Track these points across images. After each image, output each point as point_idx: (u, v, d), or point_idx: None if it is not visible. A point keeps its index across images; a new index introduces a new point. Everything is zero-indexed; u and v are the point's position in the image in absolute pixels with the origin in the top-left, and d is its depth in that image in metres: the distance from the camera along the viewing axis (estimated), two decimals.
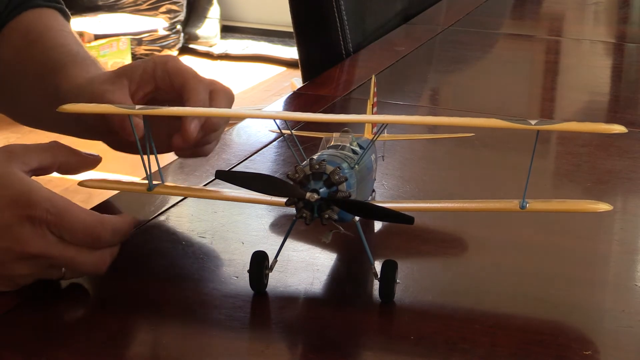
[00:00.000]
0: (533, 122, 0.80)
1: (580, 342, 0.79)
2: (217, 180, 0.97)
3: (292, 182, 0.79)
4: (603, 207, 0.83)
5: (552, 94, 1.57)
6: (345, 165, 0.81)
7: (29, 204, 0.80)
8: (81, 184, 0.89)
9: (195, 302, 0.83)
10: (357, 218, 0.83)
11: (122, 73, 0.94)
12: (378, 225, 0.97)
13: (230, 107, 0.95)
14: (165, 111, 0.85)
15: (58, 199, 0.81)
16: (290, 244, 0.91)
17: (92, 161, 0.89)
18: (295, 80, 3.79)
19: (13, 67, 1.10)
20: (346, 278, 0.89)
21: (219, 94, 0.94)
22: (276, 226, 0.97)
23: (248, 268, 0.83)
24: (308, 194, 0.78)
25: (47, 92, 1.03)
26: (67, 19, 1.18)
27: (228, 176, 0.82)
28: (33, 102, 1.09)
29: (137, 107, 0.85)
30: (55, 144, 0.88)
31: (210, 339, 0.78)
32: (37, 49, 1.08)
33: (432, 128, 1.23)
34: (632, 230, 1.02)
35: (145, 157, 0.86)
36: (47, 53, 1.06)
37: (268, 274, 0.83)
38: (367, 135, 0.98)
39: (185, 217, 0.99)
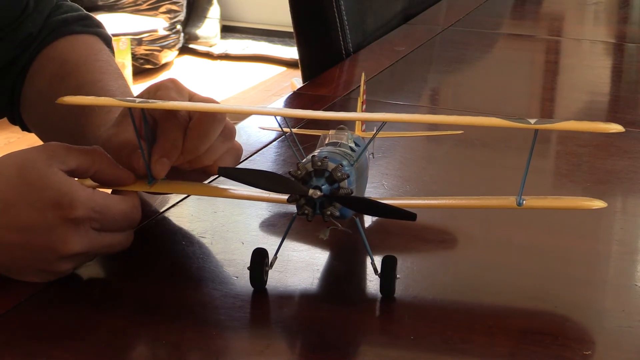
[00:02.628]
0: (532, 121, 0.80)
1: (580, 342, 0.79)
2: (218, 178, 0.97)
3: (294, 179, 0.79)
4: (598, 204, 0.83)
5: (552, 94, 1.57)
6: (345, 162, 0.82)
7: (72, 205, 0.81)
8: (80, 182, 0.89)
9: (195, 302, 0.83)
10: (355, 214, 0.83)
11: (126, 112, 0.93)
12: (374, 225, 0.96)
13: (237, 163, 0.94)
14: (165, 105, 0.85)
15: (98, 196, 0.83)
16: (290, 244, 0.91)
17: (126, 178, 0.88)
18: (295, 80, 3.79)
19: (46, 98, 1.10)
20: (346, 278, 0.89)
21: (229, 152, 0.92)
22: (276, 226, 0.97)
23: (248, 267, 0.83)
24: (311, 191, 0.78)
25: (75, 133, 1.03)
26: (107, 42, 1.17)
27: (230, 173, 0.82)
28: (63, 137, 1.09)
29: (138, 100, 0.85)
30: (96, 149, 0.88)
31: (210, 339, 0.78)
32: (70, 83, 1.08)
33: (432, 127, 1.23)
34: (632, 230, 1.03)
35: (145, 152, 0.87)
36: (79, 90, 1.06)
37: (268, 271, 0.83)
38: (358, 132, 0.98)
39: (185, 217, 0.99)
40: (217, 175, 0.96)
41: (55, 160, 0.83)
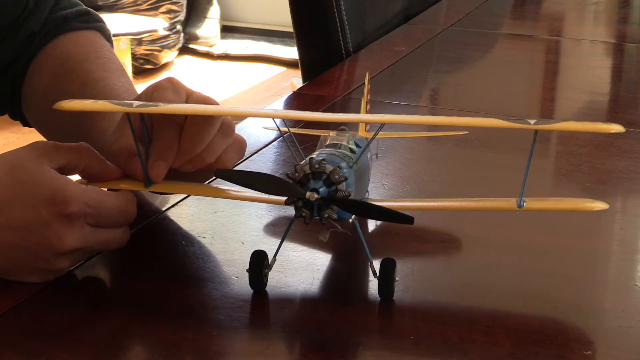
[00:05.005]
0: (532, 121, 0.80)
1: (580, 342, 0.79)
2: (216, 180, 0.97)
3: (291, 182, 0.79)
4: (599, 205, 0.83)
5: (552, 94, 1.57)
6: (344, 164, 0.81)
7: (66, 201, 0.81)
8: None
9: (195, 302, 0.83)
10: (354, 217, 0.83)
11: (126, 116, 0.93)
12: (373, 225, 0.96)
13: (241, 157, 0.94)
14: (162, 109, 0.85)
15: (91, 191, 0.83)
16: (290, 244, 0.91)
17: (115, 173, 0.88)
18: (295, 80, 3.79)
19: (50, 96, 1.10)
20: (345, 278, 0.89)
21: (232, 147, 0.92)
22: (276, 226, 0.97)
23: (247, 269, 0.83)
24: (308, 194, 0.78)
25: (81, 137, 1.03)
26: (106, 35, 1.17)
27: (228, 175, 0.82)
28: (68, 139, 1.09)
29: (135, 104, 0.85)
30: (83, 145, 0.88)
31: (210, 339, 0.78)
32: (73, 82, 1.08)
33: (432, 127, 1.23)
34: (632, 230, 1.02)
35: (143, 156, 0.87)
36: (83, 90, 1.06)
37: (267, 273, 0.83)
38: (362, 133, 0.98)
39: (185, 217, 0.99)
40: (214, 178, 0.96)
41: (45, 158, 0.84)
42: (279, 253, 0.84)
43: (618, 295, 0.88)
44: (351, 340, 0.79)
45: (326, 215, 0.79)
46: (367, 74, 1.02)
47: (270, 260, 0.83)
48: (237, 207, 0.99)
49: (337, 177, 0.79)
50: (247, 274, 0.83)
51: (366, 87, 1.01)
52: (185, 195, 1.01)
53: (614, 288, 0.90)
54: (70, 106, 0.85)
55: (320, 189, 0.79)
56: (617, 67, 1.65)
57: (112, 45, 1.17)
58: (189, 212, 1.00)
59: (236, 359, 0.78)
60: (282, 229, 0.95)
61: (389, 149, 1.17)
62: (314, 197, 0.78)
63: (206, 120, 0.87)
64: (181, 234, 0.96)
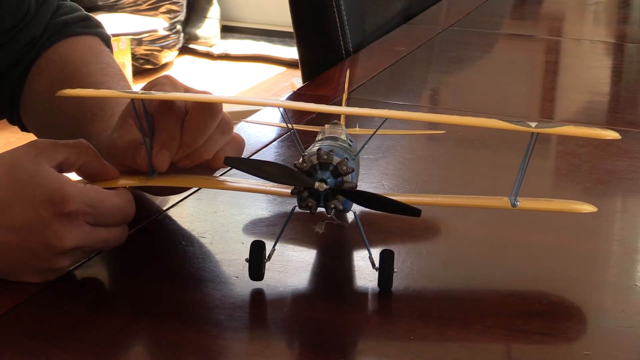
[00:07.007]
0: (533, 124, 0.80)
1: (580, 342, 0.79)
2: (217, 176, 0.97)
3: (299, 171, 0.79)
4: (587, 208, 0.84)
5: (552, 94, 1.57)
6: (347, 156, 0.82)
7: (65, 200, 0.81)
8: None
9: (195, 302, 0.83)
10: (353, 209, 0.83)
11: (126, 113, 0.93)
12: (372, 224, 0.96)
13: (239, 156, 0.94)
14: (166, 96, 0.85)
15: (90, 190, 0.83)
16: (290, 244, 0.91)
17: (111, 172, 0.88)
18: (295, 80, 3.79)
19: (48, 101, 1.10)
20: (345, 278, 0.89)
21: (230, 144, 0.92)
22: (276, 226, 0.97)
23: (246, 259, 0.82)
24: (317, 184, 0.78)
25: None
26: (106, 40, 1.18)
27: (237, 162, 0.82)
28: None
29: (140, 91, 0.85)
30: (82, 142, 0.88)
31: (210, 339, 0.78)
32: (72, 87, 1.08)
33: (433, 126, 1.24)
34: (632, 230, 1.02)
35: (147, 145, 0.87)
36: None
37: (266, 264, 0.83)
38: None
39: (185, 217, 0.99)
40: (226, 169, 0.96)
41: (44, 156, 0.84)
42: (278, 252, 0.84)
43: (618, 295, 0.88)
44: (351, 340, 0.79)
45: (332, 206, 0.79)
46: (348, 71, 1.03)
47: (269, 251, 0.83)
48: (237, 207, 1.00)
49: (344, 168, 0.79)
50: (247, 274, 0.83)
51: (346, 84, 1.02)
52: (185, 195, 1.01)
53: (614, 288, 0.90)
54: (73, 93, 0.86)
55: (328, 180, 0.79)
56: (617, 67, 1.65)
57: (111, 50, 1.17)
58: (189, 212, 1.00)
59: (236, 359, 0.78)
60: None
61: (389, 149, 1.17)
62: (322, 188, 0.78)
63: (207, 114, 0.87)
64: (181, 234, 0.96)
